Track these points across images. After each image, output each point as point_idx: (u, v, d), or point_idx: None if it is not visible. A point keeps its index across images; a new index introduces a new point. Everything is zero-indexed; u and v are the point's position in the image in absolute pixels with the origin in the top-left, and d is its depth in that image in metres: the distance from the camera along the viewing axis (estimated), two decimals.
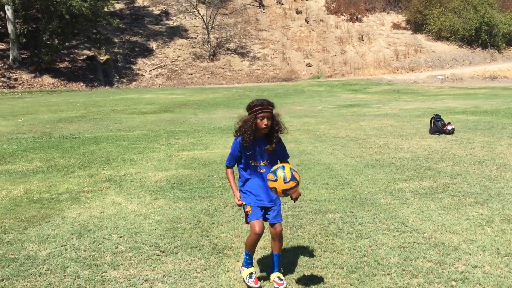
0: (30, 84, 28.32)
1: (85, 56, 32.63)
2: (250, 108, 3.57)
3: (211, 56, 34.72)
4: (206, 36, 35.39)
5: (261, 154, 3.62)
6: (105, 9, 31.01)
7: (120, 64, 32.91)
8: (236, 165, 3.73)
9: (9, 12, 28.59)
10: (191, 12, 37.67)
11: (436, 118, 10.52)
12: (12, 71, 29.04)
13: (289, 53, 36.00)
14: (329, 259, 4.08)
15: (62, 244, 4.58)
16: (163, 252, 4.33)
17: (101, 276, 3.86)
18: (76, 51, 32.89)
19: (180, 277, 3.81)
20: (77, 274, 3.91)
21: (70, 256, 4.29)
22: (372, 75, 32.53)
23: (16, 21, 29.16)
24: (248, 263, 3.66)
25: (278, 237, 3.60)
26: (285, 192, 3.29)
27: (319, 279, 3.69)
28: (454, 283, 3.57)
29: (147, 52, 34.48)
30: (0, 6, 28.86)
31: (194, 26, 37.47)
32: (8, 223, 5.29)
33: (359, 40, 37.64)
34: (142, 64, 33.32)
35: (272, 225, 3.60)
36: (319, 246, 4.37)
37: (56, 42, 29.55)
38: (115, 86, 30.50)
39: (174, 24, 37.80)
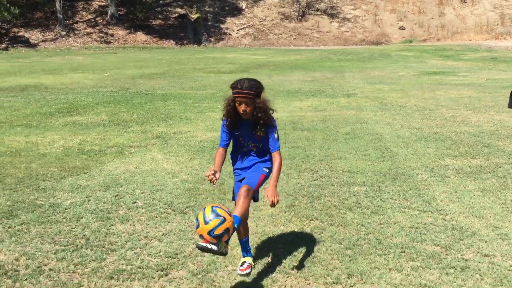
0: (124, 40, 29.78)
1: (177, 14, 33.51)
2: (231, 87, 3.21)
3: (300, 17, 34.09)
4: None
5: (250, 137, 3.29)
6: None
7: (209, 23, 33.43)
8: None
9: None
10: None
11: None
12: (109, 27, 30.67)
13: (382, 15, 34.30)
14: (330, 233, 3.94)
15: (88, 195, 4.86)
16: (173, 211, 4.45)
17: (107, 229, 4.06)
18: (169, 9, 33.85)
19: (177, 237, 3.90)
20: (87, 225, 4.15)
21: (89, 207, 4.54)
22: (472, 41, 30.14)
23: None
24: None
25: (239, 196, 3.17)
26: (213, 234, 2.85)
27: (309, 252, 3.60)
28: (451, 270, 3.30)
29: (236, 11, 34.63)
30: None
31: None
32: (51, 171, 5.70)
33: (460, 1, 34.84)
34: (230, 23, 33.58)
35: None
36: (328, 219, 4.24)
37: None
38: (203, 44, 31.13)
39: None
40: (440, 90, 12.40)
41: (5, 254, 3.63)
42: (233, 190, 3.43)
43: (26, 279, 3.28)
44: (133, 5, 30.54)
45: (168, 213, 4.40)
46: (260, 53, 26.10)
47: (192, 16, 33.88)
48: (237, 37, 32.36)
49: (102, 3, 32.49)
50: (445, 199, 4.65)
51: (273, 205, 3.07)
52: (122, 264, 3.47)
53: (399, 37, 32.33)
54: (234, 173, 3.44)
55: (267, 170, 3.34)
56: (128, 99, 11.47)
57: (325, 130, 7.86)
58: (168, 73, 17.63)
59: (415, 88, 12.80)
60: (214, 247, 2.88)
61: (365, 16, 34.34)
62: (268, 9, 35.02)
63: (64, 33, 28.92)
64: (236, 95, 3.13)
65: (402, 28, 33.01)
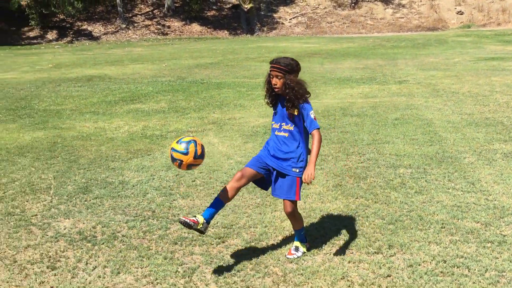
0: (180, 32, 30.63)
1: (230, 5, 34.03)
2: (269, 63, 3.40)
3: (353, 4, 33.72)
4: None
5: (283, 116, 3.37)
6: None
7: (262, 13, 33.72)
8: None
9: None
10: None
11: None
12: (166, 19, 31.63)
13: (439, 0, 33.32)
14: (374, 210, 4.21)
15: (152, 174, 5.36)
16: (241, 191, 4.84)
17: (170, 203, 4.52)
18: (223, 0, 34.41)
19: (233, 211, 4.29)
20: (153, 199, 4.62)
21: (154, 185, 5.03)
22: None
23: None
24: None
25: (288, 216, 3.46)
26: (190, 167, 3.27)
27: (353, 226, 3.89)
28: (488, 244, 3.50)
29: (288, 1, 34.70)
30: None
31: None
32: (119, 153, 6.26)
33: None
34: (283, 12, 33.72)
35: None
36: (373, 197, 4.50)
37: None
38: (256, 34, 31.50)
39: None
40: (496, 76, 12.16)
41: (83, 223, 4.16)
42: (253, 158, 3.51)
43: (103, 243, 3.77)
44: None
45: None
46: (313, 41, 26.16)
47: (246, 6, 34.26)
48: (290, 26, 32.50)
49: None
50: (490, 181, 4.79)
51: (308, 182, 3.18)
52: (184, 233, 3.90)
53: (457, 23, 31.36)
54: (265, 144, 3.52)
55: (300, 170, 3.34)
56: (185, 88, 12.03)
57: (374, 116, 8.03)
58: (222, 62, 18.12)
59: (469, 74, 12.60)
60: (193, 224, 3.17)
61: (421, 1, 33.50)
62: None
63: (124, 25, 30.13)
64: (270, 69, 3.34)
65: (460, 12, 31.98)
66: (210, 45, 25.90)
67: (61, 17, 30.07)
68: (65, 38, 28.73)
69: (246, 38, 29.59)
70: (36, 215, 4.34)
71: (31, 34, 28.92)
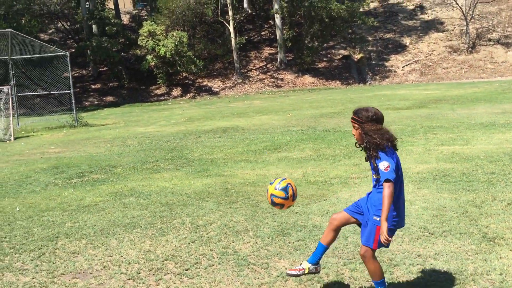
0: (293, 84, 31.49)
1: (340, 56, 34.50)
2: None
3: (470, 49, 32.61)
4: (464, 28, 33.37)
5: (371, 165, 3.44)
6: (360, 9, 32.19)
7: (373, 62, 33.72)
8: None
9: (277, 20, 32.32)
10: (448, 4, 35.97)
11: None
12: (279, 72, 32.76)
13: None
14: None
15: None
16: (432, 234, 4.72)
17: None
18: (333, 51, 35.02)
19: (452, 257, 4.15)
20: (357, 242, 4.62)
21: (348, 228, 5.03)
22: None
23: (283, 27, 32.72)
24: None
25: (361, 258, 3.47)
26: (272, 198, 3.58)
27: None
28: None
29: (400, 48, 34.44)
30: (270, 16, 32.78)
31: (451, 18, 35.71)
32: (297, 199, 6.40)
33: None
34: (395, 61, 33.45)
35: None
36: None
37: (316, 44, 32.08)
38: (368, 83, 31.45)
39: (429, 17, 36.70)
40: None
41: (300, 264, 4.24)
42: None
43: (335, 285, 3.80)
44: (300, 51, 32.27)
45: (427, 236, 4.69)
46: (432, 88, 25.48)
47: (356, 57, 34.55)
48: (403, 74, 32.05)
49: (272, 51, 34.92)
50: None
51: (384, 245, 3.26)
52: (409, 277, 3.82)
53: None
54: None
55: (379, 219, 3.28)
56: (322, 137, 12.18)
57: None
58: (345, 112, 18.19)
59: None
60: (300, 273, 3.58)
61: None
62: (434, 43, 34.19)
63: (240, 80, 31.65)
64: (351, 120, 3.47)
65: None
66: (326, 96, 26.23)
67: (184, 75, 32.35)
68: (188, 94, 30.75)
69: (359, 88, 29.62)
70: (250, 255, 4.52)
71: (159, 91, 31.36)
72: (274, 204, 3.63)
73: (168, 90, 31.32)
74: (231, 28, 31.53)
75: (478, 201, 5.67)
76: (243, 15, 35.59)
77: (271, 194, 3.60)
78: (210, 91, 30.95)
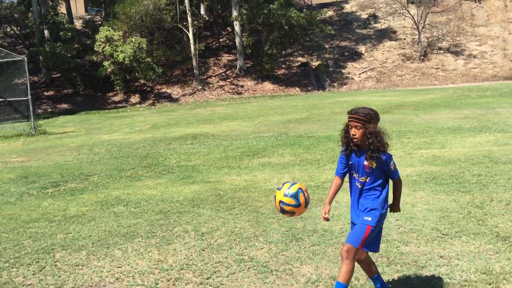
0: (254, 90, 31.51)
1: (299, 63, 34.89)
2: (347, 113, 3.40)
3: (422, 57, 33.79)
4: (416, 37, 34.58)
5: (359, 167, 3.32)
6: (318, 18, 32.72)
7: (330, 69, 34.31)
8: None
9: (237, 27, 32.31)
10: (401, 13, 37.18)
11: None
12: (239, 79, 32.70)
13: None
14: None
15: (348, 222, 5.34)
16: (445, 235, 4.75)
17: (397, 249, 4.46)
18: (291, 58, 35.37)
19: (474, 257, 4.18)
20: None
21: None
22: None
23: (243, 34, 32.74)
24: None
25: (342, 257, 3.27)
26: (282, 205, 3.25)
27: None
28: None
29: (356, 56, 35.23)
30: (229, 22, 32.73)
31: (404, 27, 36.92)
32: None
33: None
34: (351, 68, 34.17)
35: None
36: None
37: (275, 51, 32.28)
38: (327, 90, 31.93)
39: (383, 26, 37.79)
40: None
41: (325, 269, 4.15)
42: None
43: None
44: (259, 58, 32.39)
45: (441, 237, 4.71)
46: (389, 94, 26.16)
47: (314, 64, 35.05)
48: (360, 81, 32.79)
49: (231, 58, 34.86)
50: None
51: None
52: (442, 278, 3.81)
53: None
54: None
55: (374, 219, 3.27)
56: (297, 142, 12.18)
57: None
58: (312, 117, 18.34)
59: None
60: None
61: (493, 51, 33.16)
62: (388, 51, 35.21)
63: (200, 87, 31.35)
64: (349, 119, 3.30)
65: None
66: (288, 102, 26.38)
67: (142, 81, 31.70)
68: (147, 101, 30.12)
69: (319, 94, 30.02)
70: (268, 261, 4.39)
71: (116, 98, 30.53)
72: (283, 212, 3.30)
73: (126, 97, 30.57)
74: (190, 35, 31.23)
75: (477, 202, 5.78)
76: (201, 21, 35.35)
77: (280, 201, 3.27)
78: (169, 98, 30.47)
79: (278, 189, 3.38)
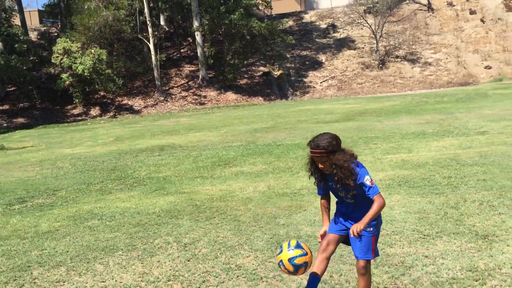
0: (217, 100, 31.46)
1: (261, 72, 35.12)
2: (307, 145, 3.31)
3: (380, 65, 34.67)
4: (374, 45, 35.48)
5: (343, 186, 3.26)
6: (279, 27, 33.10)
7: (292, 78, 34.69)
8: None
9: (198, 38, 32.25)
10: (358, 23, 38.09)
11: None
12: (201, 89, 32.59)
13: (465, 56, 34.22)
14: None
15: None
16: (427, 236, 4.86)
17: (382, 251, 4.52)
18: (253, 68, 35.57)
19: (458, 255, 4.29)
20: None
21: None
22: None
23: (204, 44, 32.70)
24: None
25: (358, 273, 3.29)
26: (293, 261, 3.16)
27: None
28: None
29: (317, 65, 35.79)
30: (191, 33, 32.64)
31: (362, 36, 37.82)
32: (273, 211, 6.32)
33: None
34: (313, 77, 34.67)
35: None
36: None
37: (237, 61, 32.40)
38: (289, 98, 32.25)
39: (341, 35, 38.59)
40: None
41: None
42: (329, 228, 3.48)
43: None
44: (222, 68, 32.42)
45: (424, 238, 4.81)
46: (351, 102, 26.68)
47: (276, 73, 35.35)
48: (322, 89, 33.30)
49: (192, 68, 34.73)
50: None
51: (353, 233, 3.12)
52: (430, 277, 3.89)
53: (486, 77, 31.99)
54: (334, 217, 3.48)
55: (374, 228, 3.28)
56: (267, 151, 12.22)
57: (493, 164, 8.08)
58: (278, 126, 18.45)
59: None
60: None
61: (447, 59, 34.41)
62: (347, 60, 35.95)
63: (162, 98, 31.04)
64: (311, 154, 3.24)
65: (488, 67, 32.70)
66: (252, 111, 26.47)
67: (102, 93, 31.11)
68: (108, 113, 29.56)
69: (282, 103, 30.27)
70: (256, 269, 4.36)
71: (75, 111, 29.82)
72: (298, 267, 3.17)
73: (85, 109, 29.90)
74: (151, 45, 30.94)
75: (452, 203, 5.95)
76: (161, 32, 35.10)
77: (289, 259, 3.16)
78: (131, 110, 30.01)
79: (278, 254, 3.31)
